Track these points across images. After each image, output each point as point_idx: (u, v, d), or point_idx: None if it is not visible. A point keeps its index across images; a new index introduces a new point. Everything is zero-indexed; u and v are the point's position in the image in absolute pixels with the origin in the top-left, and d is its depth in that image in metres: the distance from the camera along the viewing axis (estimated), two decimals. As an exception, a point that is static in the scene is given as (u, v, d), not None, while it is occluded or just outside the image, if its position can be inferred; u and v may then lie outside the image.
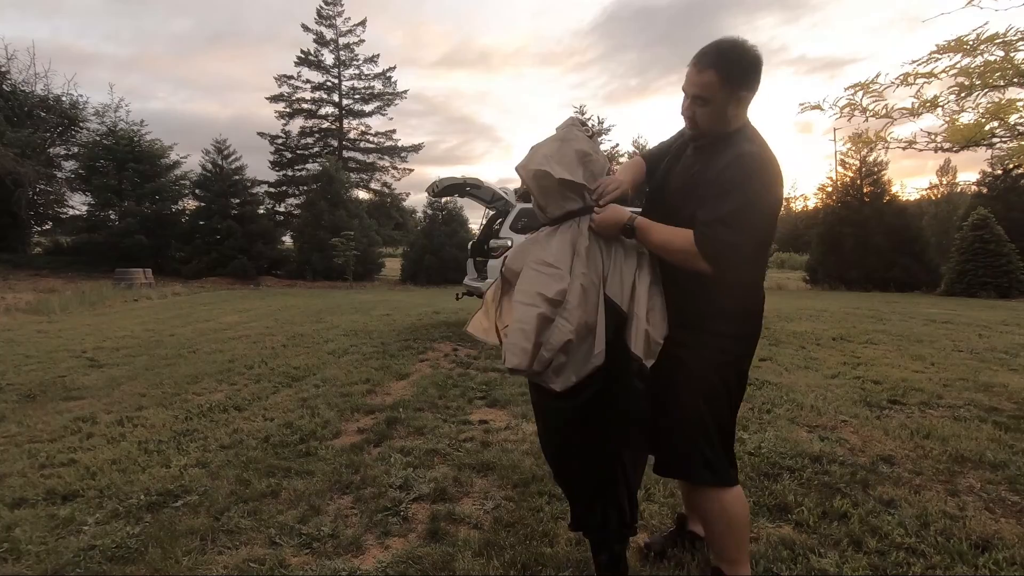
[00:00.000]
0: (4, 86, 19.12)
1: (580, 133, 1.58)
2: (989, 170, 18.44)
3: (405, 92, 28.76)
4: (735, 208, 1.38)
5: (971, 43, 3.15)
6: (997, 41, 3.11)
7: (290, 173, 27.55)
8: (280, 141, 27.64)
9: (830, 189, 20.55)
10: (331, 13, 27.10)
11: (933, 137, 3.56)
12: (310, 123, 28.18)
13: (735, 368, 1.55)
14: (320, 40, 27.28)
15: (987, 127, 3.35)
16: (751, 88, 1.47)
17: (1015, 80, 3.16)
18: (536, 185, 1.55)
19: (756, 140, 1.48)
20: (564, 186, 1.52)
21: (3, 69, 19.20)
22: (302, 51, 27.08)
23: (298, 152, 27.86)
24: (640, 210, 1.63)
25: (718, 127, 1.50)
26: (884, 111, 3.54)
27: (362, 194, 27.81)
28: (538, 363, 1.42)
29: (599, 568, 1.60)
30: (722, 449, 1.54)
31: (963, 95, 3.32)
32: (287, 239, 22.30)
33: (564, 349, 1.41)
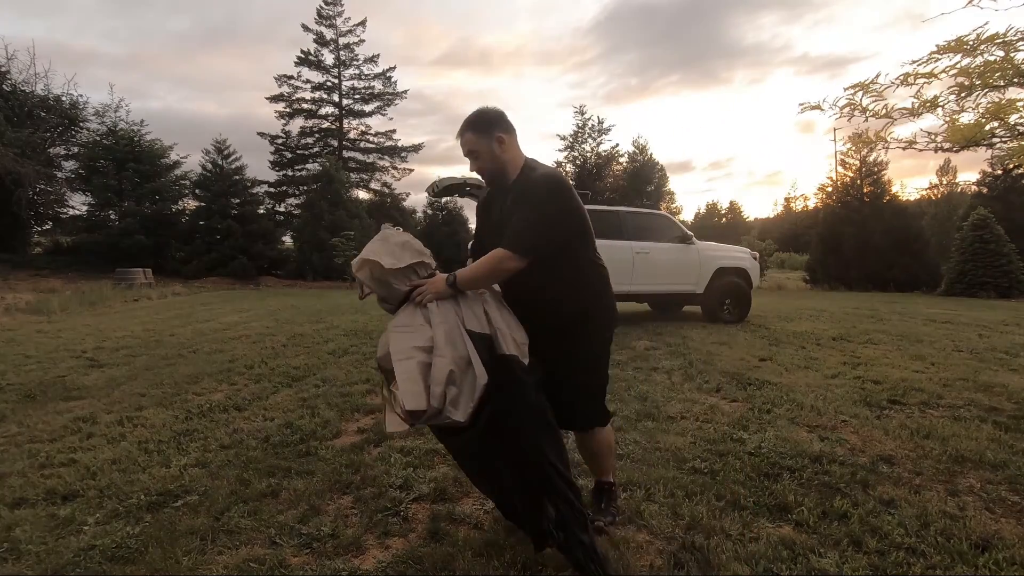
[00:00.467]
0: (4, 86, 19.08)
1: (393, 231, 1.89)
2: (989, 170, 18.46)
3: (405, 92, 28.71)
4: (526, 209, 1.80)
5: (971, 43, 3.15)
6: (997, 41, 3.11)
7: (290, 173, 27.48)
8: (280, 141, 27.59)
9: (830, 189, 20.56)
10: (331, 13, 27.06)
11: (933, 137, 3.55)
12: (310, 123, 28.10)
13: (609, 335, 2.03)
14: (320, 40, 27.23)
15: (987, 127, 3.34)
16: (504, 129, 1.90)
17: (1015, 80, 3.15)
18: (374, 282, 1.80)
19: (537, 167, 1.90)
20: (397, 272, 1.78)
21: (3, 69, 19.18)
22: (302, 51, 27.04)
23: (298, 152, 27.79)
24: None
25: (499, 166, 1.91)
26: (884, 111, 3.54)
27: (362, 194, 27.73)
28: (434, 399, 1.56)
29: (579, 567, 1.62)
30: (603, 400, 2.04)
31: (963, 95, 3.32)
32: (287, 239, 22.28)
33: (451, 380, 1.59)
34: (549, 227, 1.81)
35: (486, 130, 1.88)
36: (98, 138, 19.17)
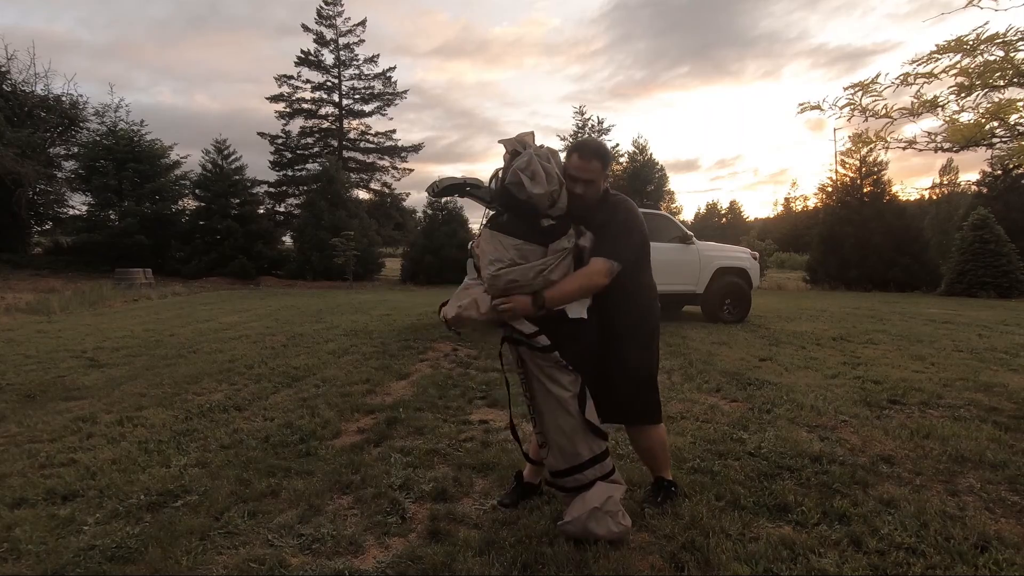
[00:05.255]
0: (4, 86, 19.07)
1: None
2: (989, 170, 18.44)
3: (405, 92, 28.72)
4: (616, 227, 1.99)
5: (971, 43, 3.15)
6: (997, 41, 3.11)
7: (290, 173, 27.48)
8: (280, 141, 27.60)
9: (830, 189, 20.54)
10: (331, 13, 27.09)
11: (933, 137, 3.55)
12: (310, 123, 28.13)
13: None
14: (320, 40, 27.25)
15: (987, 127, 3.34)
16: (610, 167, 2.10)
17: (1015, 80, 3.15)
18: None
19: (618, 194, 2.08)
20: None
21: (3, 69, 19.17)
22: (302, 51, 27.05)
23: (298, 152, 27.80)
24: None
25: (595, 197, 2.02)
26: (884, 111, 3.54)
27: (362, 194, 27.75)
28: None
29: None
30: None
31: (963, 95, 3.32)
32: (287, 239, 22.27)
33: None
34: (633, 243, 1.99)
35: (608, 164, 1.99)
36: (98, 138, 19.16)
